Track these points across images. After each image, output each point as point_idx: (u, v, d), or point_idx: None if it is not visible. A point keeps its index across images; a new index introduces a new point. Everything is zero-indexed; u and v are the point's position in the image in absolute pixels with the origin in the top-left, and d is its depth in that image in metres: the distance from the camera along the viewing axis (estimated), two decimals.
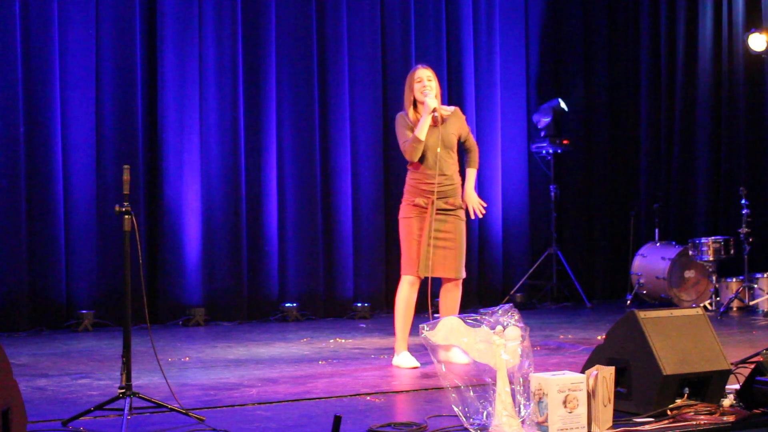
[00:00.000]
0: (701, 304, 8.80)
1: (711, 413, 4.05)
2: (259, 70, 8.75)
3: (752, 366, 4.26)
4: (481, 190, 9.21)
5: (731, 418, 4.01)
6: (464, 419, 3.88)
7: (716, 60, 9.88)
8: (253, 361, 6.19)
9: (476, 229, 9.55)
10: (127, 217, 4.29)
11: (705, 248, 8.83)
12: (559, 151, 9.96)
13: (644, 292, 9.46)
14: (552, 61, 10.29)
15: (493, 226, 9.74)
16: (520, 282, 9.69)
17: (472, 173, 6.04)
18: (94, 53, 8.14)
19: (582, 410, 3.83)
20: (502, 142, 9.85)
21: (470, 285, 9.22)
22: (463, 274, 5.94)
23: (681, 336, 4.22)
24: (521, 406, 3.87)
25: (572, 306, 9.75)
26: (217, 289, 8.53)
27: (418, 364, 5.76)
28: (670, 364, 4.08)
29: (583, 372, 4.01)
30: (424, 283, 5.88)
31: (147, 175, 8.37)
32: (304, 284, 8.86)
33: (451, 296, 5.93)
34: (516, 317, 3.90)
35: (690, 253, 9.00)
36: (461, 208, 5.94)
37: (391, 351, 6.16)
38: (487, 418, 3.85)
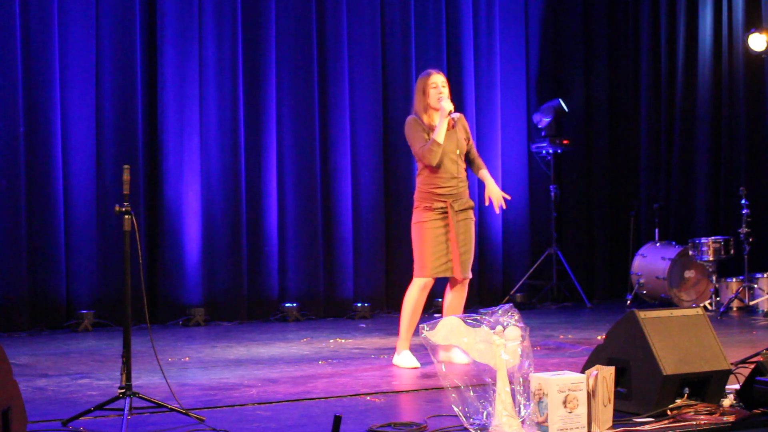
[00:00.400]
0: (701, 304, 8.80)
1: (711, 413, 4.05)
2: (259, 70, 8.75)
3: (752, 366, 4.27)
4: (481, 189, 9.20)
5: (731, 418, 4.01)
6: (464, 419, 3.89)
7: (716, 60, 9.88)
8: (253, 361, 6.19)
9: (476, 229, 9.52)
10: (127, 217, 4.29)
11: (705, 248, 8.83)
12: (559, 151, 9.96)
13: (644, 292, 9.46)
14: (552, 61, 10.29)
15: (493, 226, 9.74)
16: (520, 282, 9.68)
17: (487, 173, 6.04)
18: (94, 53, 8.14)
19: (582, 410, 3.83)
20: (502, 142, 9.85)
21: (470, 285, 9.19)
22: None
23: (681, 336, 4.23)
24: (521, 406, 3.87)
25: (572, 306, 9.75)
26: (217, 289, 8.53)
27: (418, 365, 5.76)
28: (670, 364, 4.08)
29: (583, 372, 4.01)
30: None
31: (147, 175, 8.37)
32: (304, 284, 8.86)
33: (459, 296, 5.96)
34: (516, 317, 3.90)
35: (690, 253, 9.00)
36: (472, 208, 5.98)
37: (391, 351, 6.16)
38: (487, 418, 3.85)
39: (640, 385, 4.13)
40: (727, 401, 4.18)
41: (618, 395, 4.06)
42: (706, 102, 9.91)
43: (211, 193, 8.55)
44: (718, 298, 8.89)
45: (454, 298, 5.96)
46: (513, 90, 9.99)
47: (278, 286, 8.77)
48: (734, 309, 8.87)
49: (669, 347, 4.14)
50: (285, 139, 8.87)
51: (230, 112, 8.61)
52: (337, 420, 3.53)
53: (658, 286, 9.24)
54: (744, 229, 8.68)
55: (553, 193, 9.91)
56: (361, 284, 9.09)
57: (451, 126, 5.86)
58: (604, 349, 4.33)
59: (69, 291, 8.00)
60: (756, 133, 9.61)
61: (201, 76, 8.51)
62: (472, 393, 3.91)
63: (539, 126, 9.90)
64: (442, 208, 5.83)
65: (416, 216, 5.93)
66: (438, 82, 5.89)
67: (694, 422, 3.96)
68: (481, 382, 3.94)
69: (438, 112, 5.86)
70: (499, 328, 3.86)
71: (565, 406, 3.80)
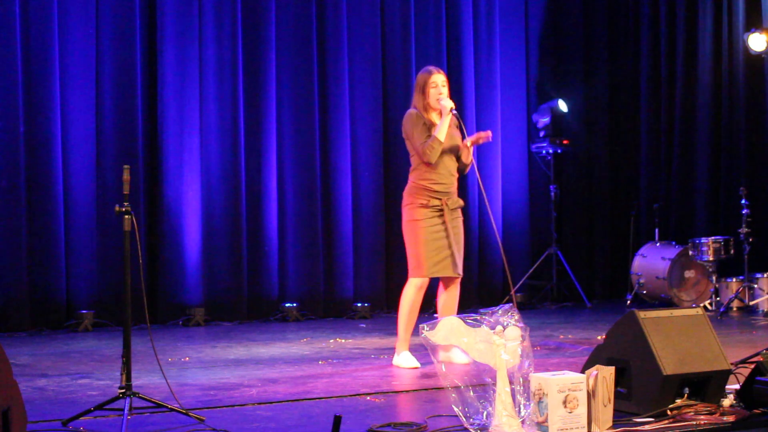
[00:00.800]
0: (701, 304, 8.80)
1: (711, 413, 4.05)
2: (259, 70, 8.75)
3: (752, 366, 4.27)
4: (482, 190, 9.22)
5: (731, 418, 4.01)
6: (464, 419, 3.88)
7: (716, 60, 9.88)
8: (253, 361, 6.19)
9: (476, 229, 9.56)
10: (127, 217, 4.29)
11: (705, 248, 8.83)
12: (559, 151, 9.96)
13: (644, 292, 9.46)
14: (552, 61, 10.29)
15: (493, 226, 9.73)
16: (520, 282, 9.68)
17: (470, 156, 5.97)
18: (94, 53, 8.14)
19: (582, 410, 3.83)
20: (502, 142, 9.85)
21: (470, 285, 9.23)
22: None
23: (681, 336, 4.22)
24: (521, 406, 3.87)
25: (572, 306, 9.75)
26: (217, 289, 8.54)
27: (418, 365, 5.76)
28: (670, 364, 4.08)
29: (583, 372, 4.01)
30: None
31: (147, 175, 8.37)
32: (304, 284, 8.86)
33: (452, 296, 5.95)
34: (516, 317, 3.90)
35: (690, 253, 9.00)
36: (462, 206, 5.98)
37: (391, 351, 6.16)
38: (487, 418, 3.85)
39: (640, 385, 4.13)
40: (727, 401, 4.18)
41: (618, 395, 4.06)
42: (706, 102, 9.91)
43: (211, 193, 8.55)
44: (718, 298, 8.89)
45: (449, 298, 5.94)
46: (513, 90, 9.99)
47: (278, 286, 8.77)
48: (734, 309, 8.87)
49: (669, 347, 4.14)
50: (285, 139, 8.87)
51: (230, 112, 8.61)
52: (337, 420, 3.53)
53: (658, 286, 9.24)
54: (744, 229, 8.68)
55: (553, 193, 9.91)
56: (361, 284, 9.09)
57: (452, 123, 5.85)
58: (604, 349, 4.33)
59: (69, 291, 8.00)
60: (756, 133, 9.61)
61: (201, 76, 8.51)
62: (472, 393, 3.91)
63: (538, 126, 9.90)
64: (437, 205, 5.82)
65: (410, 214, 5.86)
66: (438, 81, 5.87)
67: (694, 422, 3.96)
68: (481, 382, 3.94)
69: (437, 112, 5.86)
70: (499, 328, 3.86)
71: (565, 406, 3.80)
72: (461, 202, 5.96)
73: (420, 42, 9.43)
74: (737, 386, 4.31)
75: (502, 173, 9.82)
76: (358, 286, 9.08)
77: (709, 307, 8.85)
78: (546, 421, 3.80)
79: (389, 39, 9.34)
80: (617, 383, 4.03)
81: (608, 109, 10.55)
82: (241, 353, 6.60)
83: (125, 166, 4.34)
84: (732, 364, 4.39)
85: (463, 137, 5.94)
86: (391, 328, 7.41)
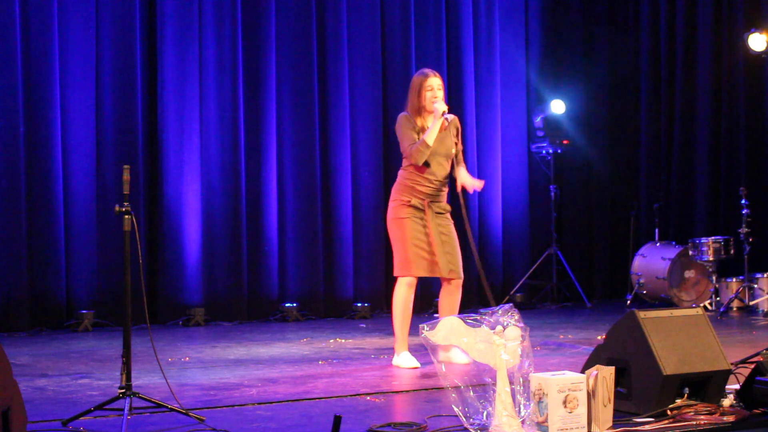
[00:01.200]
0: (701, 304, 8.80)
1: (711, 413, 4.05)
2: (259, 70, 8.75)
3: (752, 366, 4.26)
4: (482, 189, 9.21)
5: (731, 418, 4.01)
6: (464, 419, 3.88)
7: (716, 60, 9.88)
8: (253, 361, 6.19)
9: (476, 229, 9.56)
10: (127, 217, 4.29)
11: (705, 248, 8.83)
12: (559, 151, 9.96)
13: (644, 292, 9.46)
14: (552, 61, 10.29)
15: (493, 226, 9.74)
16: (520, 282, 9.69)
17: (462, 168, 5.99)
18: (94, 53, 8.15)
19: (582, 410, 3.83)
20: (502, 142, 9.85)
21: (470, 285, 9.22)
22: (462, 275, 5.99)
23: (681, 336, 4.22)
24: (521, 406, 3.87)
25: (572, 306, 9.75)
26: (217, 289, 8.54)
27: (418, 365, 5.76)
28: (670, 364, 4.07)
29: (583, 372, 4.01)
30: (427, 282, 5.89)
31: (147, 175, 8.37)
32: (304, 284, 8.86)
33: (453, 299, 5.93)
34: (516, 317, 3.90)
35: (690, 253, 9.00)
36: (449, 211, 5.97)
37: (391, 351, 6.16)
38: (487, 418, 3.85)
39: (640, 385, 4.13)
40: (727, 401, 4.18)
41: (618, 395, 4.05)
42: (706, 102, 9.91)
43: (211, 193, 8.55)
44: (718, 298, 8.89)
45: (448, 301, 5.93)
46: (513, 90, 9.99)
47: (278, 286, 8.77)
48: (734, 309, 8.87)
49: (669, 347, 4.14)
50: (285, 139, 8.87)
51: (230, 112, 8.61)
52: (337, 420, 3.53)
53: (658, 286, 9.24)
54: (744, 229, 8.68)
55: (553, 193, 9.91)
56: (361, 284, 9.09)
57: (444, 128, 5.85)
58: (604, 349, 4.33)
59: (69, 291, 8.00)
60: (756, 134, 9.61)
61: (201, 76, 8.52)
62: (472, 393, 3.91)
63: (535, 126, 9.92)
64: (419, 206, 5.82)
65: (394, 212, 5.88)
66: (434, 85, 5.87)
67: (694, 422, 3.96)
68: (481, 382, 3.94)
69: (431, 115, 5.85)
70: (499, 328, 3.86)
71: (565, 406, 3.80)
72: (448, 207, 5.94)
73: (420, 42, 9.43)
74: (737, 386, 4.31)
75: (502, 173, 9.82)
76: (358, 286, 9.08)
77: (709, 307, 8.85)
78: (546, 421, 3.80)
79: (389, 39, 9.34)
80: (617, 383, 4.03)
81: (608, 109, 10.55)
82: (241, 353, 6.60)
83: (125, 166, 4.33)
84: (732, 364, 4.39)
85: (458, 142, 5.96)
86: (390, 328, 7.38)
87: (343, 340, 7.25)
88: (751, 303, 8.82)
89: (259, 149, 8.75)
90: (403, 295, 5.84)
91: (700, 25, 9.96)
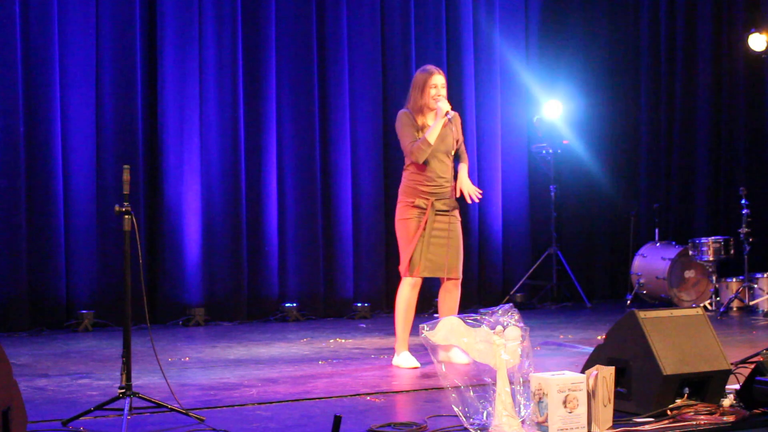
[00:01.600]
0: (701, 304, 8.81)
1: (711, 413, 4.05)
2: (259, 70, 8.75)
3: (752, 366, 4.27)
4: (482, 190, 9.23)
5: (731, 418, 4.01)
6: (464, 419, 3.89)
7: (716, 60, 9.88)
8: (253, 361, 6.19)
9: (476, 229, 9.56)
10: (127, 217, 4.29)
11: (705, 248, 8.83)
12: (559, 151, 9.96)
13: (644, 292, 9.46)
14: (552, 61, 10.28)
15: (493, 226, 9.74)
16: (520, 282, 9.68)
17: (464, 167, 6.03)
18: (94, 53, 8.14)
19: (582, 410, 3.83)
20: (502, 142, 9.85)
21: (470, 285, 9.22)
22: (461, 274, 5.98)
23: (681, 336, 4.22)
24: (521, 406, 3.87)
25: (572, 306, 9.75)
26: (217, 289, 8.53)
27: (418, 365, 5.76)
28: (670, 364, 4.08)
29: (583, 372, 4.02)
30: (426, 283, 5.88)
31: (147, 175, 8.37)
32: (304, 284, 8.86)
33: (451, 297, 5.93)
34: (516, 317, 3.90)
35: (690, 253, 9.01)
36: (457, 208, 5.96)
37: (391, 351, 6.16)
38: (487, 418, 3.85)
39: (640, 385, 4.13)
40: (727, 401, 4.18)
41: (618, 395, 4.06)
42: (706, 102, 9.91)
43: (211, 193, 8.55)
44: (718, 298, 8.90)
45: (450, 300, 5.94)
46: (513, 89, 9.99)
47: (278, 286, 8.77)
48: (734, 309, 8.87)
49: (669, 347, 4.14)
50: (285, 139, 8.87)
51: (230, 112, 8.61)
52: (337, 420, 3.53)
53: (658, 286, 9.24)
54: (744, 229, 8.69)
55: (553, 193, 9.91)
56: (361, 284, 9.09)
57: (445, 125, 5.84)
58: (604, 349, 4.33)
59: (69, 291, 8.00)
60: (756, 134, 9.62)
61: (201, 76, 8.51)
62: (472, 393, 3.91)
63: (535, 126, 9.92)
64: (424, 206, 5.82)
65: (400, 212, 5.90)
66: (438, 83, 5.87)
67: (694, 422, 3.96)
68: (481, 382, 3.94)
69: (433, 113, 5.85)
70: (499, 328, 3.86)
71: (565, 406, 3.80)
72: (455, 204, 5.94)
73: (420, 42, 9.43)
74: (737, 386, 4.31)
75: (502, 173, 9.82)
76: (358, 286, 9.08)
77: (709, 307, 8.86)
78: (546, 421, 3.80)
79: (389, 39, 9.34)
80: (617, 383, 4.03)
81: (608, 109, 10.54)
82: (241, 353, 6.60)
83: (125, 166, 4.34)
84: (732, 364, 4.39)
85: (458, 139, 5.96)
86: (390, 328, 7.39)
87: (343, 340, 7.25)
88: (751, 303, 8.82)
89: (259, 149, 8.75)
90: (406, 296, 5.85)
91: (700, 25, 9.97)
